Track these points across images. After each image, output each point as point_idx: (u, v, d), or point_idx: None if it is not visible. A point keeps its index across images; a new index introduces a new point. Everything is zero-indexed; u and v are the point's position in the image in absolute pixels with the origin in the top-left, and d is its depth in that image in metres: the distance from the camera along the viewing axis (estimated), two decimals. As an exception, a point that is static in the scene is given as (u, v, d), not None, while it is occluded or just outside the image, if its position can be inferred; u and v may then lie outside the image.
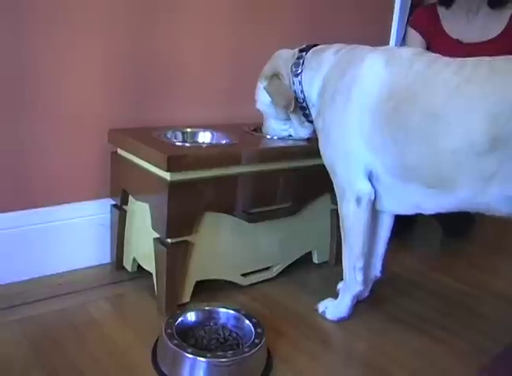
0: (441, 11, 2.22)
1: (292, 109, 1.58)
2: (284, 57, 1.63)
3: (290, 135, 1.71)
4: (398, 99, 1.32)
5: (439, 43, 2.18)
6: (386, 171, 1.40)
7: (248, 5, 1.96)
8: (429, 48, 2.21)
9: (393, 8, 2.55)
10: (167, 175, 1.39)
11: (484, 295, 1.80)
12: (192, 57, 1.84)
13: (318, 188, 1.72)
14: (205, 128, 1.76)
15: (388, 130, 1.33)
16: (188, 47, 1.82)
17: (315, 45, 1.60)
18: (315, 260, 1.89)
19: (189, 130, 1.73)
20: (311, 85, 1.55)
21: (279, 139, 1.70)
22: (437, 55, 1.37)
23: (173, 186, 1.40)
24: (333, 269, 1.85)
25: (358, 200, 1.44)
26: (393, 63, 1.36)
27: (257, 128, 1.79)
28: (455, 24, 2.17)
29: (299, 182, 1.67)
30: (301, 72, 1.57)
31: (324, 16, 2.22)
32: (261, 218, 1.61)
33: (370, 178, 1.44)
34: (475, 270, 2.00)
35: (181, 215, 1.43)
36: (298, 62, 1.58)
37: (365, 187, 1.43)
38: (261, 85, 1.67)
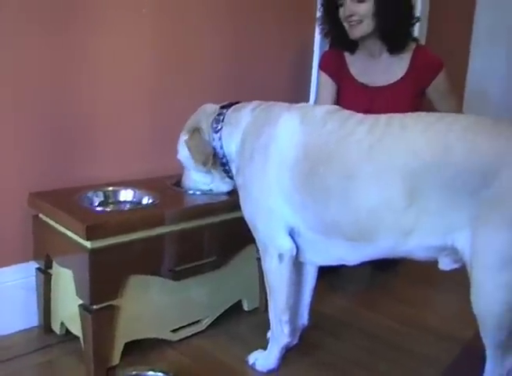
0: (347, 55, 2.21)
1: (209, 165, 1.60)
2: (207, 112, 1.65)
3: (211, 190, 1.72)
4: (313, 159, 1.35)
5: (346, 87, 2.19)
6: (307, 227, 1.43)
7: (169, 58, 1.97)
8: (338, 91, 2.23)
9: (312, 59, 2.55)
10: (87, 243, 1.39)
11: (413, 331, 1.85)
12: (111, 113, 1.84)
13: (242, 240, 1.74)
14: (127, 185, 1.75)
15: (307, 189, 1.36)
16: (107, 104, 1.82)
17: (238, 103, 1.63)
18: (246, 307, 1.90)
19: (110, 189, 1.72)
20: (230, 142, 1.57)
21: (201, 193, 1.71)
22: (350, 112, 1.41)
23: (93, 254, 1.39)
24: (263, 315, 1.84)
25: (281, 257, 1.46)
26: (307, 123, 1.40)
27: (179, 182, 1.78)
28: (360, 69, 2.17)
29: (223, 235, 1.69)
30: (220, 129, 1.59)
31: (245, 68, 2.25)
32: (187, 275, 1.62)
33: (292, 233, 1.46)
34: (403, 305, 2.05)
35: (104, 281, 1.43)
36: (218, 118, 1.60)
37: (286, 244, 1.45)
38: (183, 137, 1.67)
